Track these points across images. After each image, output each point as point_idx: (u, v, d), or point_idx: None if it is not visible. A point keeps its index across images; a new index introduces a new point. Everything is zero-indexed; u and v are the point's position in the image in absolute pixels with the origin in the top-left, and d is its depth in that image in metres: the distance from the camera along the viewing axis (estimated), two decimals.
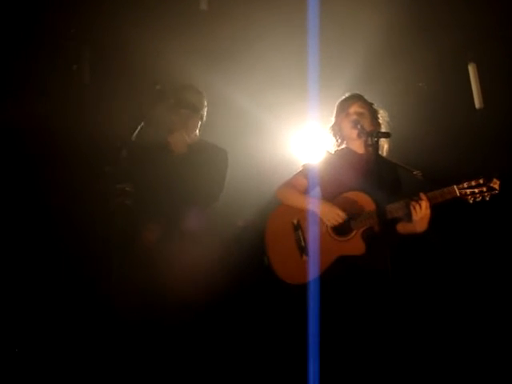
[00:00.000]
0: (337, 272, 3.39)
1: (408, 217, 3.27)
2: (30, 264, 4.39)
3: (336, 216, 3.39)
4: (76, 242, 4.35)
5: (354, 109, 3.61)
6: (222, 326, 4.05)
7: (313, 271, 3.41)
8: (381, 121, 3.69)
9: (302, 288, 3.42)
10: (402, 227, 3.44)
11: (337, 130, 3.72)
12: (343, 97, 3.73)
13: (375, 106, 3.72)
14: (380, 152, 3.57)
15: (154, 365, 3.67)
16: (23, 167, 4.49)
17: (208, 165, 3.99)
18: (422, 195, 3.22)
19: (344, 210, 3.41)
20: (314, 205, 3.50)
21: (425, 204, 3.21)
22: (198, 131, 4.14)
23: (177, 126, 4.02)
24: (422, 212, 3.21)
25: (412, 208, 3.22)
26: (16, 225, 4.42)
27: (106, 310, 3.41)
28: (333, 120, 3.75)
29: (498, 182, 3.14)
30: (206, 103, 4.13)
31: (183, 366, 3.73)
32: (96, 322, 3.77)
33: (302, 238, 3.53)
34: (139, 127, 3.42)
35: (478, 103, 4.78)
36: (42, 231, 4.43)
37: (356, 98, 3.68)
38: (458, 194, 3.19)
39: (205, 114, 4.13)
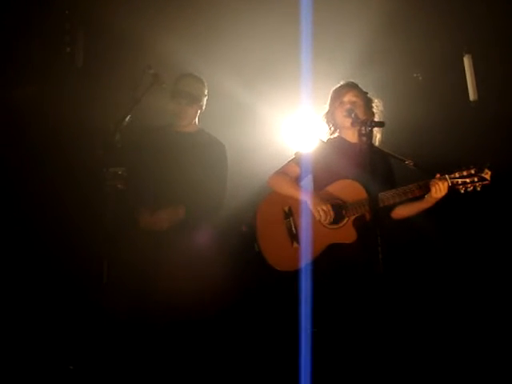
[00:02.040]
0: (327, 260, 3.41)
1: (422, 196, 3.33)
2: (20, 249, 4.37)
3: (324, 214, 3.39)
4: (68, 227, 4.33)
5: (349, 97, 3.61)
6: (212, 313, 4.05)
7: (304, 259, 3.42)
8: (375, 110, 3.69)
9: (293, 275, 3.43)
10: (411, 208, 3.48)
11: (330, 118, 3.72)
12: (338, 85, 3.73)
13: (369, 95, 3.72)
14: (372, 141, 3.58)
15: (140, 359, 3.67)
16: (14, 149, 4.46)
17: (210, 162, 4.02)
18: (443, 176, 3.26)
19: (336, 197, 3.42)
20: (307, 196, 3.50)
21: (447, 185, 3.24)
22: (197, 120, 4.15)
23: (176, 114, 4.03)
24: (441, 193, 3.24)
25: (434, 186, 3.25)
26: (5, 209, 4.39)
27: (98, 298, 3.39)
28: (327, 108, 3.75)
29: (489, 173, 3.17)
30: (206, 92, 4.14)
31: (171, 358, 3.74)
32: (88, 310, 3.77)
33: (293, 226, 3.53)
34: (131, 110, 3.41)
35: (472, 95, 4.78)
36: (32, 215, 4.40)
37: (351, 86, 3.68)
38: (450, 184, 3.22)
39: (204, 102, 4.15)
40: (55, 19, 4.67)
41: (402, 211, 3.52)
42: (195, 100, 4.05)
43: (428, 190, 3.29)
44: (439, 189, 3.24)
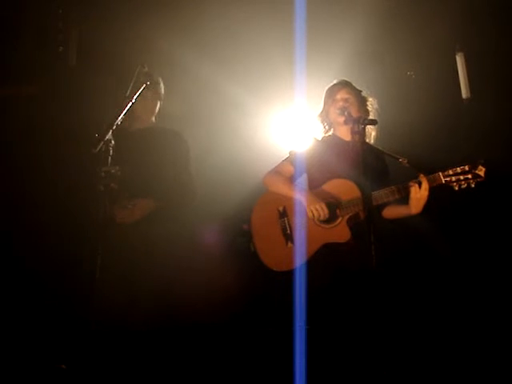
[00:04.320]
0: (322, 259, 3.41)
1: (405, 199, 3.31)
2: (11, 247, 4.36)
3: (320, 209, 3.39)
4: (60, 224, 4.33)
5: (341, 95, 3.63)
6: (203, 310, 4.05)
7: (298, 259, 3.42)
8: (369, 108, 3.71)
9: (288, 275, 3.43)
10: (394, 211, 3.48)
11: (324, 116, 3.74)
12: (331, 84, 3.74)
13: (364, 94, 3.74)
14: (368, 139, 3.59)
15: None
16: (7, 148, 4.45)
17: (165, 151, 3.98)
18: (422, 176, 3.25)
19: (329, 197, 3.43)
20: (301, 195, 3.50)
21: (425, 185, 3.23)
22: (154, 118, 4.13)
23: (143, 108, 3.99)
24: (420, 192, 3.23)
25: (411, 188, 3.25)
26: None
27: (90, 295, 3.38)
28: (321, 107, 3.76)
29: (483, 169, 3.17)
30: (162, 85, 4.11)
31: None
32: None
33: (287, 226, 3.54)
34: (126, 110, 3.40)
35: (464, 93, 4.79)
36: (23, 213, 4.39)
37: (343, 84, 3.70)
38: (443, 181, 3.22)
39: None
40: (48, 18, 4.67)
41: (390, 212, 3.51)
42: (159, 92, 4.04)
43: (408, 192, 3.29)
44: (417, 189, 3.24)
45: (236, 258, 4.21)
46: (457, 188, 3.19)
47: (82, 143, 3.69)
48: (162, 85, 4.09)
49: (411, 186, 3.26)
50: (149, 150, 3.95)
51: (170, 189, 3.89)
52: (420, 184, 3.23)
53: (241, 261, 4.10)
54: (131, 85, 3.50)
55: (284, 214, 3.56)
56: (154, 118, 4.11)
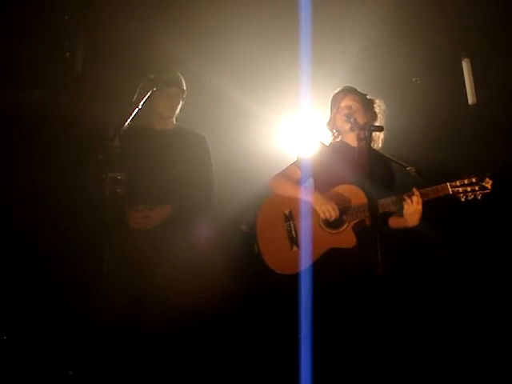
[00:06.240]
0: (327, 264, 3.40)
1: (400, 211, 3.31)
2: (19, 251, 4.37)
3: (331, 209, 3.38)
4: (67, 229, 4.34)
5: (346, 102, 3.62)
6: (208, 313, 4.05)
7: (303, 262, 3.41)
8: (377, 110, 3.71)
9: (292, 278, 3.42)
10: (393, 222, 3.49)
11: (332, 124, 3.74)
12: (336, 91, 3.74)
13: (369, 97, 3.73)
14: (376, 143, 3.61)
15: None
16: (16, 154, 4.46)
17: (193, 156, 3.98)
18: (415, 190, 3.27)
19: (336, 202, 3.41)
20: (309, 195, 3.50)
21: (416, 199, 3.25)
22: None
23: (166, 104, 3.99)
24: (412, 207, 3.26)
25: (404, 202, 3.27)
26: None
27: (96, 300, 3.39)
28: (328, 115, 3.76)
29: (490, 182, 3.18)
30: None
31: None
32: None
33: (293, 229, 3.53)
34: (132, 116, 3.40)
35: (471, 99, 4.79)
36: (29, 218, 4.40)
37: (347, 91, 3.69)
38: (451, 192, 3.23)
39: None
40: (55, 24, 4.67)
41: (393, 222, 3.51)
42: (182, 89, 4.03)
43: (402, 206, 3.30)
44: (410, 203, 3.26)
45: (235, 258, 4.21)
46: (463, 199, 3.21)
47: (89, 149, 3.71)
48: (184, 82, 4.07)
49: (404, 200, 3.27)
50: (172, 153, 3.94)
51: (189, 194, 3.88)
52: (412, 199, 3.25)
53: (242, 261, 4.10)
54: (138, 90, 3.52)
55: (290, 218, 3.55)
56: (175, 119, 4.10)
